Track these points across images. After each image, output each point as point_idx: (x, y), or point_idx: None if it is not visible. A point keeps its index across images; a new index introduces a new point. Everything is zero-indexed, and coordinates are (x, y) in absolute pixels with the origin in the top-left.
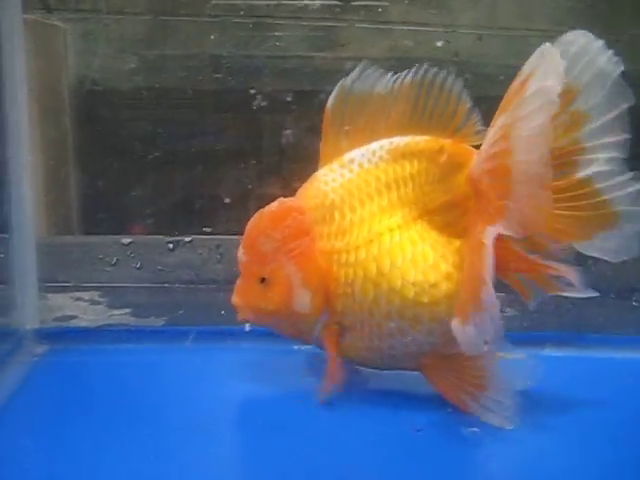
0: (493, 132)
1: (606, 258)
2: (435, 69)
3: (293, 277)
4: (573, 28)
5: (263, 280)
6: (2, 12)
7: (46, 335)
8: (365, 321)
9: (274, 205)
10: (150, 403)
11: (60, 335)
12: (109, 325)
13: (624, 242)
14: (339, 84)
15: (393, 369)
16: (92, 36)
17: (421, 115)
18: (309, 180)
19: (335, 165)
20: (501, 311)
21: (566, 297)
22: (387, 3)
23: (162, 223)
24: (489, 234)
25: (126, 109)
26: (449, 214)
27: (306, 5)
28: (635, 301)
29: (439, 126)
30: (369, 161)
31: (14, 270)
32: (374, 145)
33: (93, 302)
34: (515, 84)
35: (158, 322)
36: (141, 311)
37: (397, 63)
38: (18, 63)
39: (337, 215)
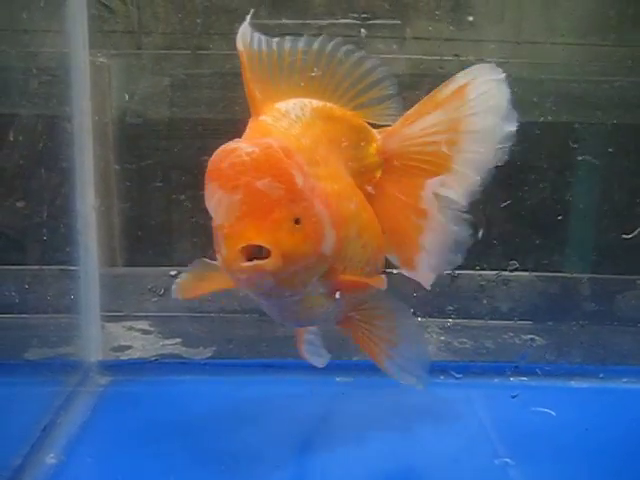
0: (426, 122)
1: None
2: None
3: (323, 216)
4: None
5: (297, 221)
6: (72, 53)
7: (109, 367)
8: (348, 268)
9: (271, 142)
10: (212, 433)
11: (121, 367)
12: (163, 355)
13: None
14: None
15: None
16: (133, 70)
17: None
18: (255, 126)
19: (275, 114)
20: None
21: None
22: (399, 21)
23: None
24: (429, 186)
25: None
26: (359, 180)
27: (330, 24)
28: None
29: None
30: (304, 115)
31: (81, 302)
32: (297, 101)
33: (145, 332)
34: (448, 89)
35: (207, 353)
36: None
37: (418, 79)
38: (84, 101)
39: (318, 159)
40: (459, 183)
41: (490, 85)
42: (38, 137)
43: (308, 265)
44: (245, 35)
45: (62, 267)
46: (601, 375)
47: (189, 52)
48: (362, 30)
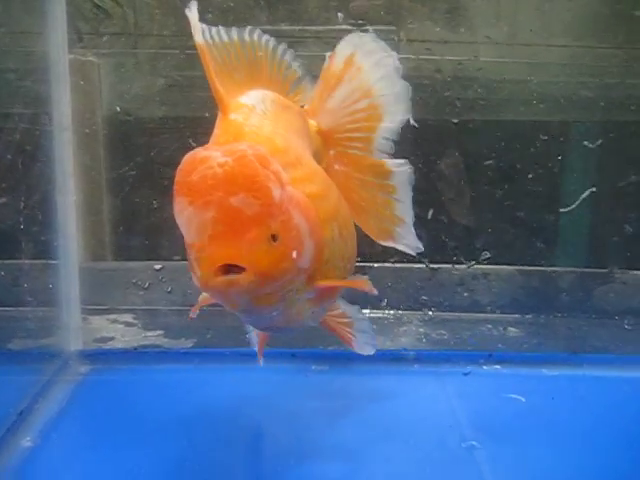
0: (340, 95)
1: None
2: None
3: (301, 227)
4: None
5: (274, 237)
6: (51, 52)
7: (88, 356)
8: (331, 271)
9: (245, 148)
10: (187, 419)
11: (101, 356)
12: (144, 346)
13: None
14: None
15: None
16: (124, 69)
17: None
18: (225, 126)
19: (244, 110)
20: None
21: None
22: (394, 27)
23: None
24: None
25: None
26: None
27: (327, 29)
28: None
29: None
30: (267, 109)
31: (61, 294)
32: (257, 94)
33: (128, 324)
34: (338, 62)
35: (188, 344)
36: (173, 333)
37: (418, 82)
38: (64, 98)
39: (293, 160)
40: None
41: (376, 52)
42: (17, 133)
43: (285, 281)
44: (199, 28)
45: (42, 261)
46: (573, 363)
47: (178, 52)
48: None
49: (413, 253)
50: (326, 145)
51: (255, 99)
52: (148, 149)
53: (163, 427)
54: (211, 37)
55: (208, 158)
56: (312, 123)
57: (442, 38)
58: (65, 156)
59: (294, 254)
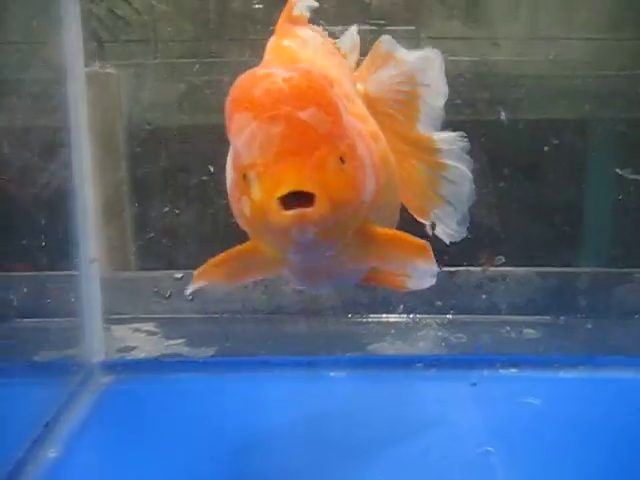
0: (387, 73)
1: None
2: None
3: (365, 158)
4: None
5: (342, 160)
6: (68, 66)
7: (111, 366)
8: (378, 222)
9: (308, 67)
10: (209, 429)
11: (124, 366)
12: (166, 355)
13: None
14: None
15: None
16: (142, 80)
17: None
18: (278, 50)
19: (297, 41)
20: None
21: None
22: (414, 27)
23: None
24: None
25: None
26: None
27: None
28: None
29: None
30: (319, 47)
31: (83, 305)
32: (309, 33)
33: (150, 333)
34: (381, 48)
35: (209, 352)
36: (194, 341)
37: None
38: (81, 112)
39: (348, 94)
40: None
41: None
42: (35, 144)
43: (350, 212)
44: None
45: (65, 272)
46: (591, 365)
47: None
48: None
49: (446, 241)
50: (370, 110)
51: (309, 35)
52: (168, 158)
53: (186, 436)
54: None
55: (270, 74)
56: (358, 86)
57: (462, 34)
58: (85, 167)
59: (360, 182)
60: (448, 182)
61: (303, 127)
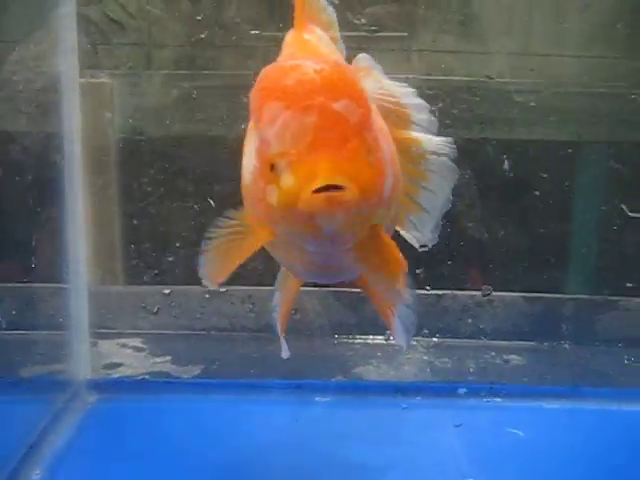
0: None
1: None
2: None
3: (386, 153)
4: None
5: (369, 152)
6: (62, 76)
7: (97, 385)
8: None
9: (336, 60)
10: (193, 450)
11: (110, 385)
12: (152, 373)
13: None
14: None
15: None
16: (136, 89)
17: None
18: (299, 44)
19: (315, 36)
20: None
21: None
22: (406, 34)
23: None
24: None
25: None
26: None
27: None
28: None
29: None
30: (330, 45)
31: (71, 320)
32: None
33: (137, 349)
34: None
35: (195, 370)
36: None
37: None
38: (75, 123)
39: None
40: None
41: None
42: (26, 156)
43: (374, 204)
44: None
45: (53, 284)
46: (573, 396)
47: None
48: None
49: (417, 247)
50: None
51: (321, 33)
52: (160, 172)
53: (170, 459)
54: None
55: (300, 65)
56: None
57: (454, 48)
58: (75, 180)
59: (384, 174)
60: (428, 191)
61: (336, 118)
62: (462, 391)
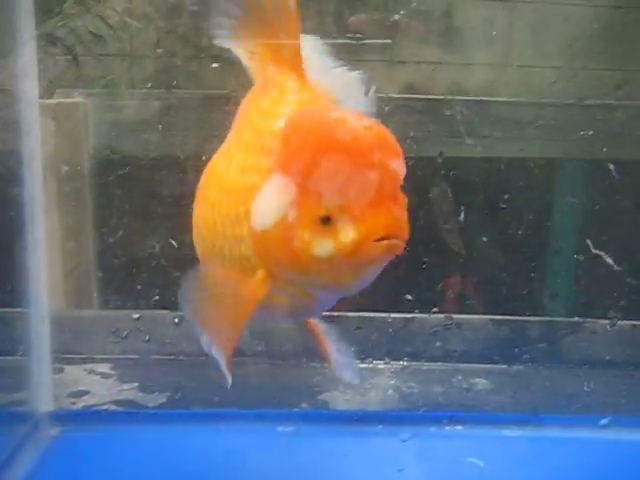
0: None
1: None
2: None
3: None
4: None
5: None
6: (21, 97)
7: (59, 417)
8: None
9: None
10: None
11: (72, 417)
12: (117, 402)
13: None
14: None
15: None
16: (110, 108)
17: None
18: (309, 93)
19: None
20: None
21: None
22: (390, 41)
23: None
24: None
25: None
26: None
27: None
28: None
29: None
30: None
31: (31, 346)
32: None
33: (104, 375)
34: None
35: (161, 398)
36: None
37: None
38: (35, 143)
39: None
40: None
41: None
42: None
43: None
44: None
45: (12, 310)
46: (534, 424)
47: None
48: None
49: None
50: None
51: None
52: (131, 193)
53: None
54: None
55: (346, 119)
56: None
57: (436, 59)
58: (36, 200)
59: None
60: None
61: (392, 175)
62: (425, 418)
